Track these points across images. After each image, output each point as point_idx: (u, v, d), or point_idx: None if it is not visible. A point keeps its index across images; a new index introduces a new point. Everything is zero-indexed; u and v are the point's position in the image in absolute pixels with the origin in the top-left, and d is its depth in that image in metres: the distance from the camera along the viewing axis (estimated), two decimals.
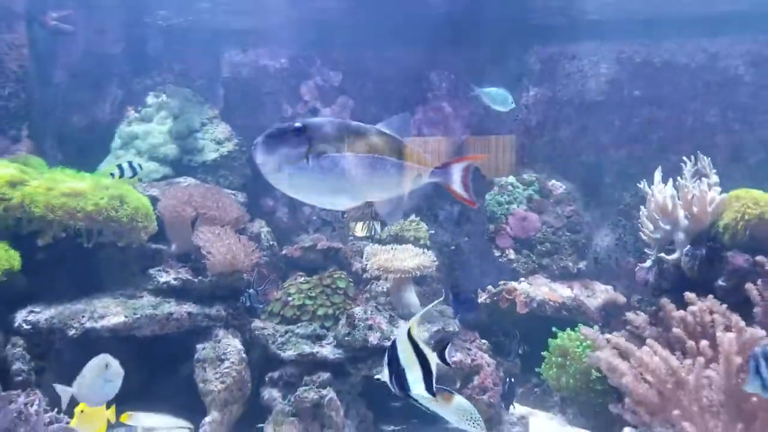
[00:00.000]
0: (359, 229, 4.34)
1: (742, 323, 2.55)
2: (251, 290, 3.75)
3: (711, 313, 2.77)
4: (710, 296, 2.83)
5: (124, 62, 4.93)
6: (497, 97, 4.17)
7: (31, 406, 3.04)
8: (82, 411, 2.84)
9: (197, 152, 4.73)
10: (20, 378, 3.31)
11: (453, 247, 4.79)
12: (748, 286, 2.76)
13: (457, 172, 2.00)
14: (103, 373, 2.82)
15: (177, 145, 4.68)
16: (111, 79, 4.89)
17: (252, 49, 5.05)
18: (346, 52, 5.14)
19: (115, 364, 2.83)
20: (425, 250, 4.08)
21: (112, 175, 4.00)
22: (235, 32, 5.01)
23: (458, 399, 2.85)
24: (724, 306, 2.75)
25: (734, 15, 4.57)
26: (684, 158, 3.21)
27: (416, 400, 2.54)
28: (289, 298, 3.90)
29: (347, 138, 1.90)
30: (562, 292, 4.23)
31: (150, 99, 4.82)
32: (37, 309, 3.51)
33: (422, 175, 1.95)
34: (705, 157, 3.19)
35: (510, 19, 4.80)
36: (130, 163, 4.07)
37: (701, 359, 2.52)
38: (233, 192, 4.54)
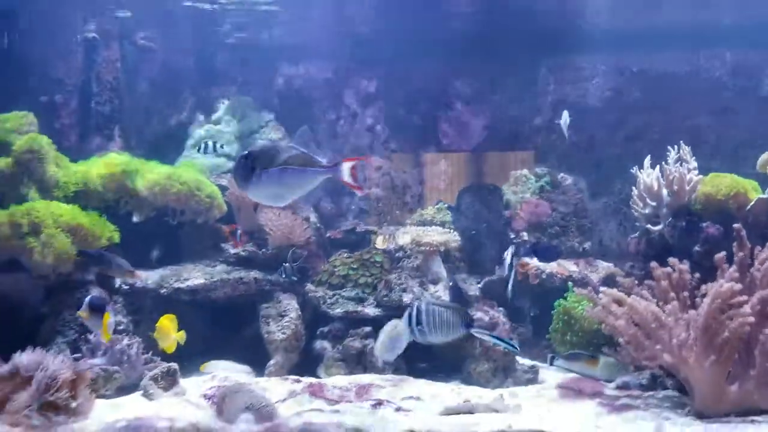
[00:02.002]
0: (380, 242, 4.62)
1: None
2: (287, 264, 4.14)
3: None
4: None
5: (196, 74, 5.38)
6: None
7: (131, 348, 3.50)
8: (155, 331, 3.29)
9: None
10: (121, 327, 3.76)
11: (474, 232, 5.11)
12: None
13: (345, 168, 2.46)
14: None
15: (240, 144, 5.13)
16: (184, 89, 5.34)
17: (302, 63, 5.46)
18: (381, 64, 5.53)
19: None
20: (450, 230, 4.49)
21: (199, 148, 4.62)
22: (288, 48, 5.42)
23: (603, 359, 3.21)
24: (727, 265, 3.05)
25: (717, 29, 4.91)
26: (669, 147, 3.57)
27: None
28: (335, 269, 4.29)
29: (274, 158, 2.44)
30: (569, 267, 4.57)
31: (218, 105, 5.27)
32: None
33: (321, 173, 2.46)
34: (686, 146, 3.56)
35: (522, 34, 5.16)
36: (214, 144, 4.57)
37: (676, 303, 2.89)
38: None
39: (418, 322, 2.89)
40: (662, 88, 5.19)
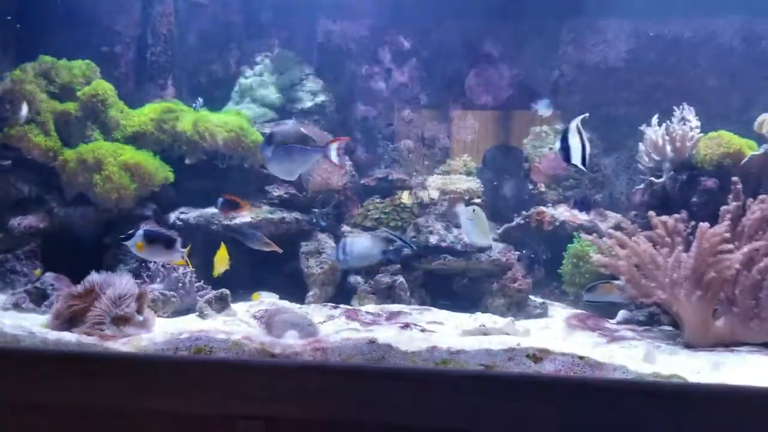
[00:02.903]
0: (405, 197, 4.82)
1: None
2: (316, 210, 4.41)
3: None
4: None
5: (241, 29, 5.60)
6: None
7: (186, 276, 3.84)
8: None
9: (297, 101, 5.42)
10: None
11: (495, 183, 5.36)
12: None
13: (332, 148, 3.05)
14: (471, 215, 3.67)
15: (281, 95, 5.39)
16: (231, 42, 5.57)
17: (340, 20, 5.65)
18: (415, 22, 5.69)
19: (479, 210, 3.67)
20: (473, 179, 4.76)
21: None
22: (328, 5, 5.61)
23: (616, 283, 3.52)
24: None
25: None
26: (674, 107, 3.80)
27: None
28: (369, 213, 4.60)
29: (285, 137, 3.00)
30: (581, 216, 4.82)
31: (261, 58, 5.52)
32: (185, 211, 4.28)
33: (315, 152, 3.03)
34: (689, 107, 3.78)
35: None
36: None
37: (671, 246, 3.16)
38: (325, 132, 5.19)
39: (345, 253, 3.39)
40: (676, 51, 5.34)
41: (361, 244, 3.43)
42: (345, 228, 4.51)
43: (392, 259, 3.62)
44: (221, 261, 3.66)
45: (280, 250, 4.02)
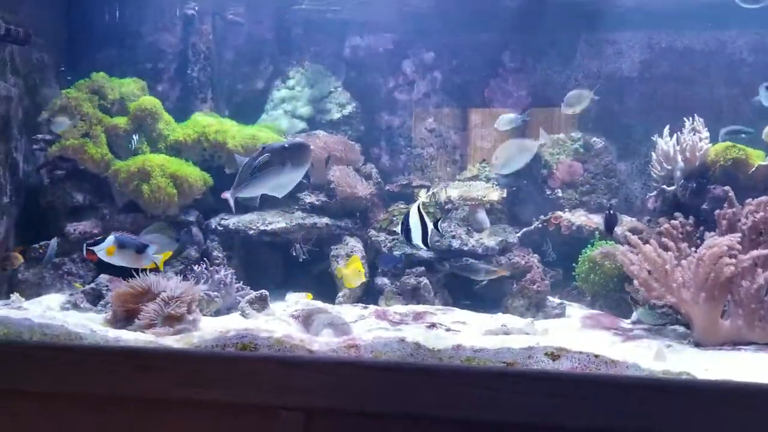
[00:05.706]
0: (423, 195, 4.92)
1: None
2: (297, 245, 4.34)
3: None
4: None
5: (274, 45, 5.74)
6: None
7: (227, 278, 3.99)
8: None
9: (326, 112, 5.56)
10: (218, 261, 4.27)
11: (514, 188, 5.44)
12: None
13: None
14: None
15: (312, 107, 5.54)
16: (265, 57, 5.71)
17: (367, 35, 5.79)
18: (437, 36, 5.80)
19: None
20: (494, 185, 4.87)
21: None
22: (355, 22, 5.74)
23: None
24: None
25: (739, 10, 5.10)
26: (684, 118, 3.89)
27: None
28: (394, 218, 4.72)
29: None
30: (597, 220, 4.90)
31: (293, 72, 5.67)
32: (225, 217, 4.44)
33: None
34: (699, 119, 3.87)
35: (564, 11, 5.40)
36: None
37: (678, 251, 3.26)
38: (352, 142, 5.33)
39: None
40: (688, 62, 5.41)
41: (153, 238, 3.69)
42: (372, 232, 4.64)
43: (185, 242, 4.10)
44: (355, 274, 3.75)
45: (508, 273, 4.20)
